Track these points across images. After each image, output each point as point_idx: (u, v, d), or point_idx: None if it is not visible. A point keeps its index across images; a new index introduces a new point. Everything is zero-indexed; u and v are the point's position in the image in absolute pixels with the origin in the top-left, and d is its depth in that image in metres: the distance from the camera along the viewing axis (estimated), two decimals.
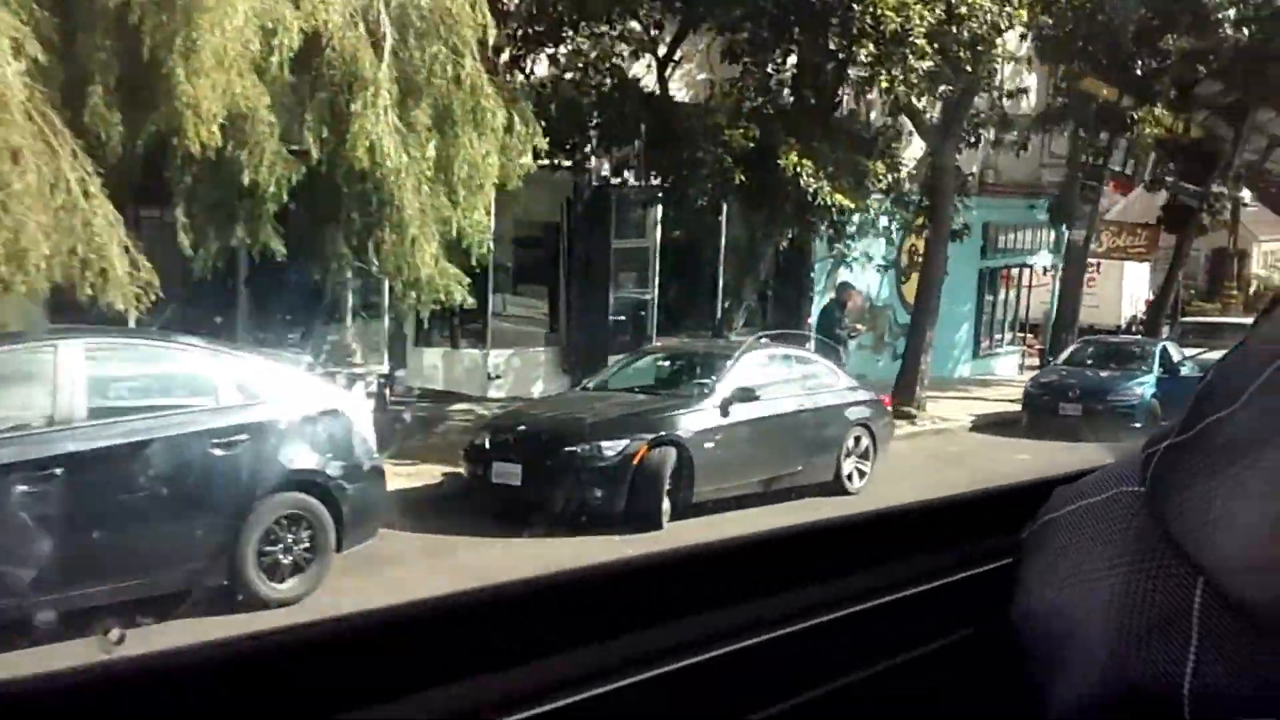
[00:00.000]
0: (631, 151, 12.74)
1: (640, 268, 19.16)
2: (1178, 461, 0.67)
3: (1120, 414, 17.78)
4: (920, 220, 18.42)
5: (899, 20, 11.09)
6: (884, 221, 16.85)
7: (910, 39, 11.19)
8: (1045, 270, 30.32)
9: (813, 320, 16.37)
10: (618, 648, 0.82)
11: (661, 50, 12.91)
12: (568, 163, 13.20)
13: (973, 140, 18.08)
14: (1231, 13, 15.89)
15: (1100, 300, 30.49)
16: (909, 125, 17.12)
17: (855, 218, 17.99)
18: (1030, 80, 22.25)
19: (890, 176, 13.29)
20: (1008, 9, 12.47)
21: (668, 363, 11.70)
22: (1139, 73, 20.84)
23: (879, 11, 11.01)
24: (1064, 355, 19.94)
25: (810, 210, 12.59)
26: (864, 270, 19.31)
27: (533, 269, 18.14)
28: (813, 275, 16.25)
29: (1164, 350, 19.31)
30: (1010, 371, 26.00)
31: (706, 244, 18.73)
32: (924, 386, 17.87)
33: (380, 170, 7.82)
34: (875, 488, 12.36)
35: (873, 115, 19.81)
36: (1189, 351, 20.06)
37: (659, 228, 18.20)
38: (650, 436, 9.77)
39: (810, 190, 12.16)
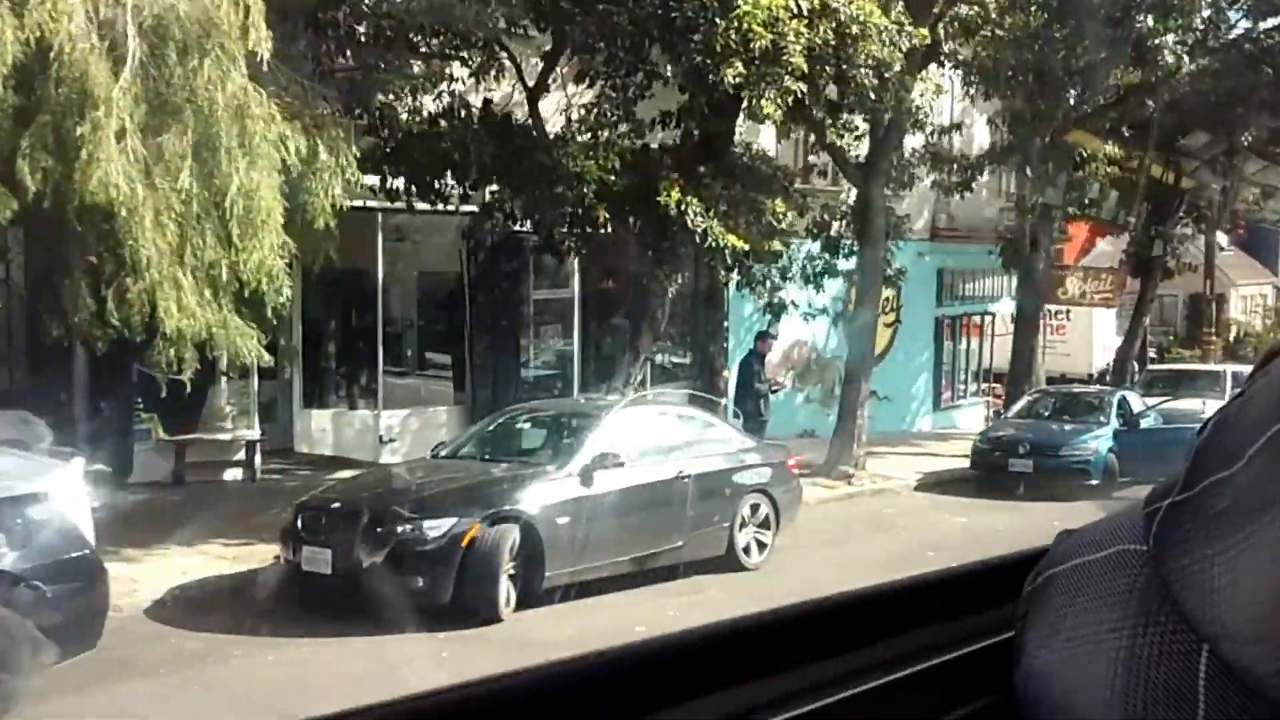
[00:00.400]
0: (499, 191, 11.39)
1: (562, 319, 17.86)
2: (1179, 522, 0.64)
3: (1074, 470, 16.34)
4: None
5: (769, 37, 9.78)
6: (808, 267, 15.54)
7: (785, 58, 9.91)
8: (1012, 318, 29.08)
9: (729, 374, 14.99)
10: None
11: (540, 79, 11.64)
12: (424, 204, 11.86)
13: (904, 180, 16.85)
14: (1170, 39, 14.72)
15: (1073, 348, 29.14)
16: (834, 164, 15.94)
17: (785, 261, 16.77)
18: (977, 117, 21.13)
19: (791, 216, 11.94)
20: (908, 29, 11.17)
21: (529, 425, 10.29)
22: (1085, 107, 19.70)
23: (746, 27, 9.71)
24: (1017, 407, 18.52)
25: (704, 254, 11.29)
26: (808, 320, 17.94)
27: (436, 322, 16.83)
28: (727, 325, 14.83)
29: (1123, 400, 17.90)
30: (975, 424, 24.50)
31: (635, 292, 17.47)
32: (862, 443, 16.45)
33: (115, 205, 6.51)
34: (781, 560, 10.91)
35: (812, 157, 18.64)
36: (1153, 401, 18.68)
37: (577, 276, 16.92)
38: (485, 513, 8.35)
39: (698, 231, 10.85)
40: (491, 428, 10.22)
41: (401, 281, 15.94)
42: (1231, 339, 43.39)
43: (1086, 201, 20.72)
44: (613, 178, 10.42)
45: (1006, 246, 21.00)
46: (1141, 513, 0.68)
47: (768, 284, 12.99)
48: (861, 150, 15.87)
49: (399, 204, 12.76)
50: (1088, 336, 30.18)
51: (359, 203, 13.24)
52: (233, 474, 13.43)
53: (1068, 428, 17.08)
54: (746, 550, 10.58)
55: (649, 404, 10.65)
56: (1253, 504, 0.59)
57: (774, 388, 14.49)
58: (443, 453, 10.02)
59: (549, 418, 10.39)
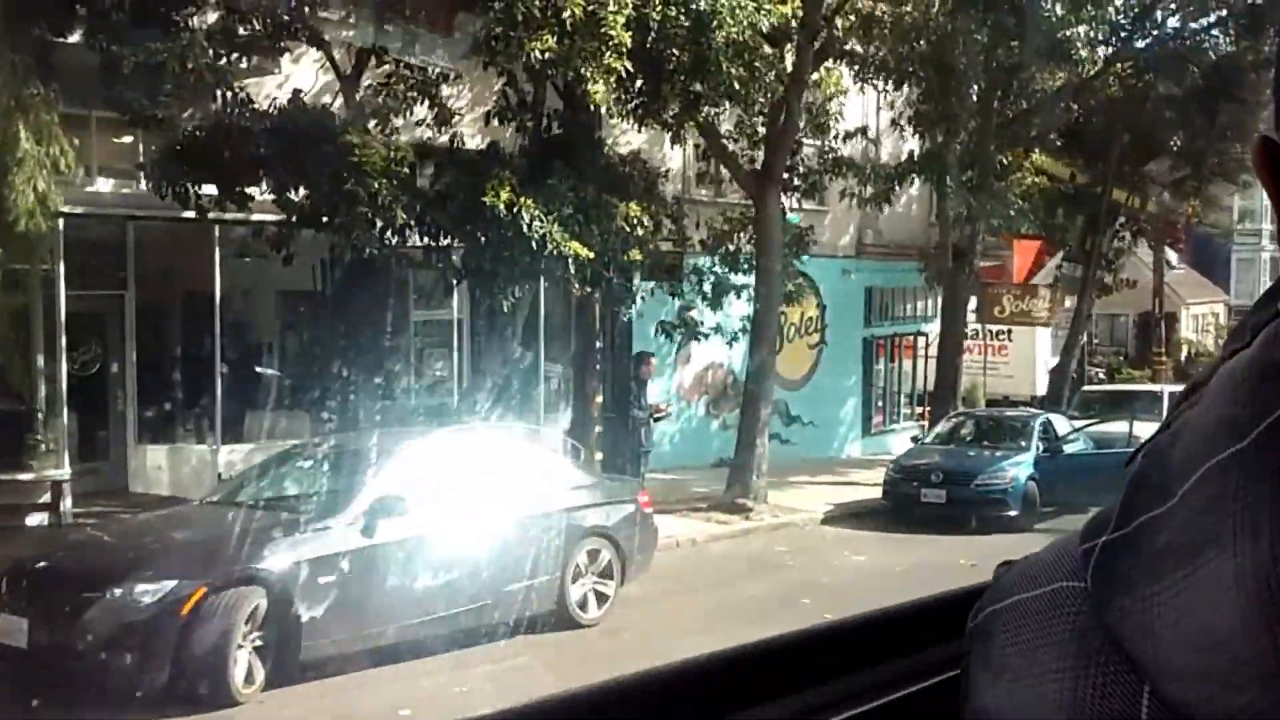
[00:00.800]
0: (278, 190, 9.82)
1: (447, 342, 16.36)
2: (1116, 560, 0.63)
3: (990, 500, 14.93)
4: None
5: (582, 5, 8.33)
6: (701, 283, 14.13)
7: (604, 31, 8.48)
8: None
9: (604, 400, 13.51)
10: None
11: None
12: (240, 212, 10.25)
13: (808, 190, 15.52)
14: (1082, 30, 13.46)
15: (1015, 370, 27.69)
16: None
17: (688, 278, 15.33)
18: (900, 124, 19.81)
19: (649, 223, 10.47)
20: (766, 7, 9.69)
21: (313, 462, 8.75)
22: (1008, 112, 18.45)
23: None
24: (934, 431, 17.13)
25: (549, 264, 9.84)
26: (702, 341, 16.49)
27: (296, 347, 15.29)
28: (599, 345, 13.29)
29: (1046, 424, 16.53)
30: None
31: (487, 309, 15.98)
32: (762, 473, 14.98)
33: None
34: (625, 614, 9.39)
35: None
36: (1078, 424, 17.31)
37: (460, 296, 15.40)
38: (217, 574, 6.81)
39: (535, 238, 9.40)
40: (274, 466, 8.68)
41: (251, 302, 14.40)
42: (1183, 359, 42.31)
43: (1012, 213, 19.42)
44: (406, 170, 8.93)
45: (930, 262, 19.69)
46: (1078, 548, 0.66)
47: (630, 296, 11.46)
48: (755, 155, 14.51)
49: (236, 214, 11.31)
50: (1030, 357, 28.79)
51: (189, 214, 11.78)
52: (38, 519, 11.82)
53: (985, 454, 15.69)
54: (583, 605, 9.07)
55: (463, 434, 9.14)
56: (1189, 542, 0.57)
57: (656, 415, 13.00)
58: (214, 498, 8.46)
59: (339, 452, 8.83)
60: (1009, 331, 27.78)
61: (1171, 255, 44.50)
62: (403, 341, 15.65)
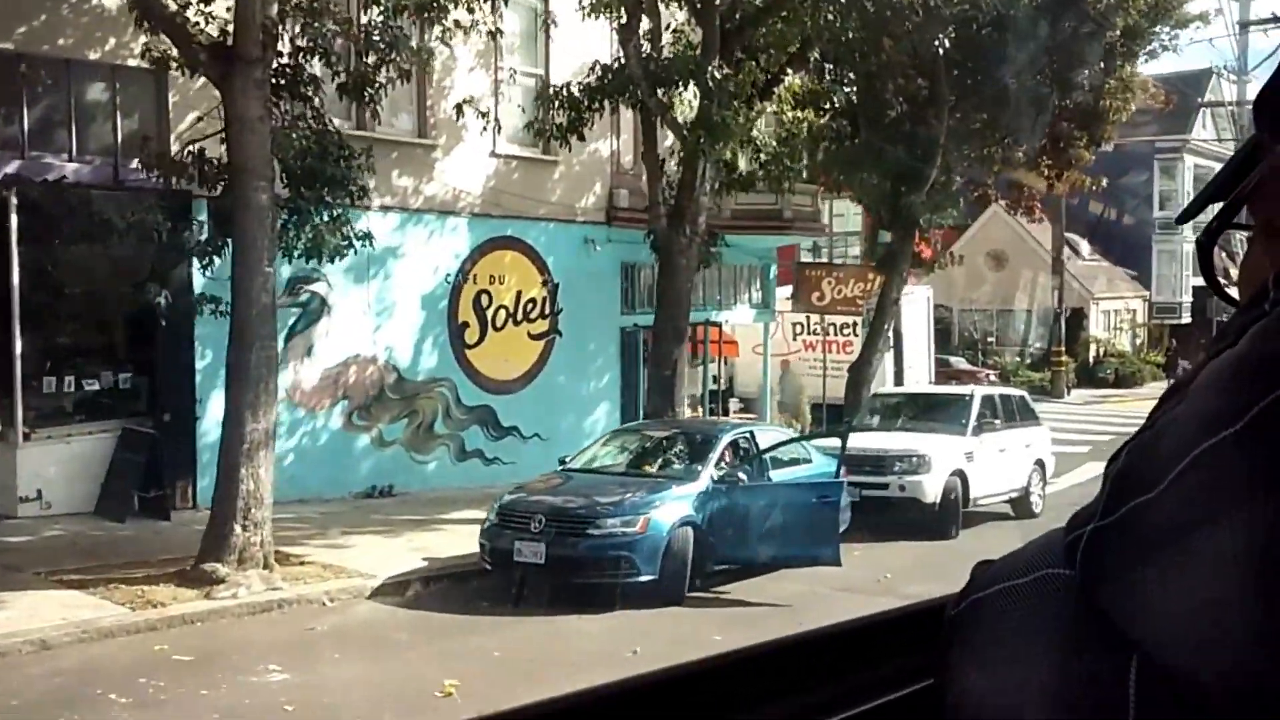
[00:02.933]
0: None
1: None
2: (1105, 546, 0.63)
3: (607, 560, 9.12)
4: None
5: None
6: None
7: None
8: (778, 330, 21.97)
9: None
10: None
11: None
12: None
13: (360, 84, 9.81)
14: None
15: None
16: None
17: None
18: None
19: None
20: None
21: None
22: (737, 14, 12.81)
23: None
24: (586, 453, 11.31)
25: None
26: (391, 323, 10.67)
27: None
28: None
29: (744, 441, 10.74)
30: None
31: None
32: (256, 522, 9.16)
33: None
34: None
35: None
36: (780, 440, 11.43)
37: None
38: None
39: None
40: None
41: None
42: (1091, 359, 36.45)
43: (764, 157, 13.73)
44: None
45: (650, 229, 13.96)
46: (1063, 540, 0.66)
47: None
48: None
49: None
50: (892, 352, 22.77)
51: None
52: None
53: (626, 488, 9.87)
54: None
55: None
56: (1182, 522, 0.58)
57: None
58: None
59: None
60: (854, 325, 22.00)
61: (1084, 245, 38.70)
62: None
